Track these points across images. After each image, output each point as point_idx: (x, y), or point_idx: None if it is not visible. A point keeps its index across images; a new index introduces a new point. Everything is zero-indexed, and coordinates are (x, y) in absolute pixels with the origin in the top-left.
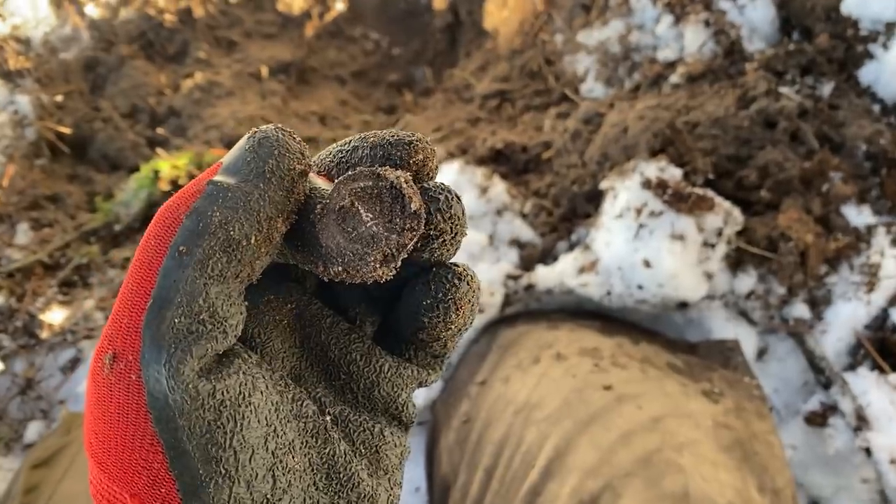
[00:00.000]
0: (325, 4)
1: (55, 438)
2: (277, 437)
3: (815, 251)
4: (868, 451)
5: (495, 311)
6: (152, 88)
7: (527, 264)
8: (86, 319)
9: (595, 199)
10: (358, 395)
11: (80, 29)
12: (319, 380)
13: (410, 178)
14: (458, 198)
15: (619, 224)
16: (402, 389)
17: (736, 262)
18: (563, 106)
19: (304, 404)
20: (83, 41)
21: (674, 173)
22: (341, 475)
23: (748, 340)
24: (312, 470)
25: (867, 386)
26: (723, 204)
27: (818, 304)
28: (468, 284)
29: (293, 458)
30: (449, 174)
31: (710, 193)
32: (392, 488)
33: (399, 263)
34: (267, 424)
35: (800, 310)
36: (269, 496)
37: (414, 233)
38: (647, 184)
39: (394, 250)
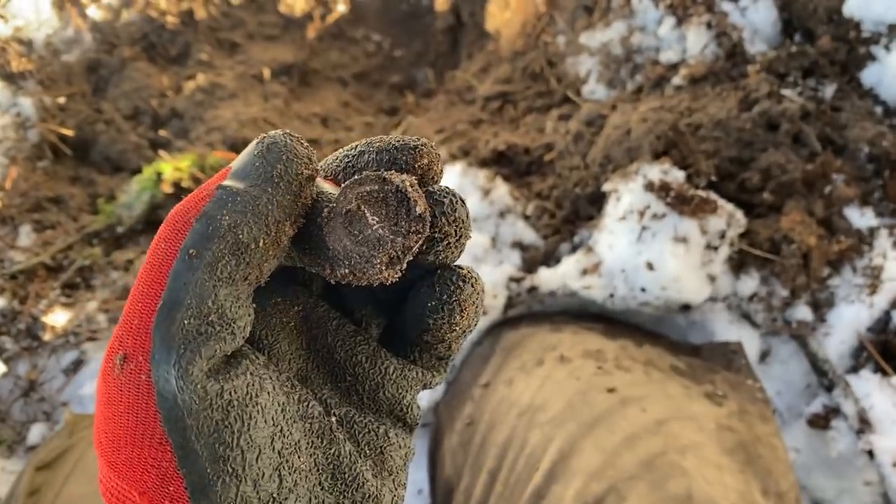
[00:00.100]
0: (326, 6)
1: (59, 441)
2: (284, 437)
3: (817, 253)
4: (871, 454)
5: (498, 313)
6: (154, 90)
7: (529, 266)
8: (88, 321)
9: (598, 201)
10: (363, 397)
11: (82, 31)
12: (325, 381)
13: (416, 181)
14: (463, 201)
15: (621, 226)
16: (407, 391)
17: (739, 264)
18: (565, 108)
19: (310, 405)
20: (85, 43)
21: (676, 176)
22: (346, 475)
23: (751, 343)
24: (318, 470)
25: (870, 388)
26: (725, 206)
27: (821, 307)
28: (472, 286)
29: (299, 457)
30: (451, 176)
31: (712, 196)
32: (396, 489)
33: (404, 266)
34: (273, 424)
35: (802, 312)
36: (275, 495)
37: (419, 235)
38: (649, 186)
39: (399, 253)
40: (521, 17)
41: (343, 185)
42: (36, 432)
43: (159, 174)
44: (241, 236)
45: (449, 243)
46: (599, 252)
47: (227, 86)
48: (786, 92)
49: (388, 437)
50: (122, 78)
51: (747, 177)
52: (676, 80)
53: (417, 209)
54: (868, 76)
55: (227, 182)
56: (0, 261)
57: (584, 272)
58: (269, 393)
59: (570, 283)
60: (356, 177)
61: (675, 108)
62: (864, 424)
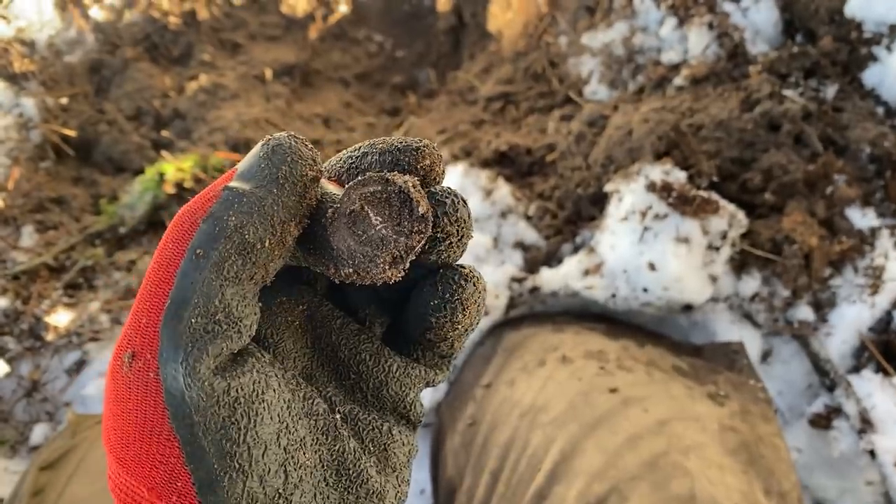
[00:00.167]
0: (328, 7)
1: (62, 441)
2: (289, 433)
3: (819, 254)
4: (872, 454)
5: (500, 313)
6: (157, 91)
7: (531, 267)
8: (91, 322)
9: (600, 201)
10: (367, 395)
11: (84, 32)
12: (330, 379)
13: (418, 182)
14: (465, 201)
15: (623, 227)
16: (410, 389)
17: (740, 264)
18: (567, 108)
19: (315, 402)
20: (88, 44)
21: (678, 176)
22: (350, 472)
23: (753, 343)
24: (323, 466)
25: (871, 388)
26: (727, 207)
27: (822, 307)
28: (474, 285)
29: (304, 454)
30: (453, 176)
31: (714, 196)
32: (400, 485)
33: (407, 265)
34: (279, 421)
35: (804, 312)
36: (281, 490)
37: (421, 235)
38: (651, 186)
39: (402, 252)
40: (523, 18)
41: (347, 186)
42: (39, 432)
43: (162, 175)
44: (247, 236)
45: (451, 243)
46: (601, 252)
47: (230, 86)
48: (787, 92)
49: (392, 435)
50: (124, 78)
51: (749, 177)
52: (678, 80)
53: (420, 209)
54: (869, 77)
55: (233, 183)
56: (3, 261)
57: (586, 272)
58: (274, 390)
59: (572, 283)
60: (359, 178)
61: (676, 108)
62: (865, 424)
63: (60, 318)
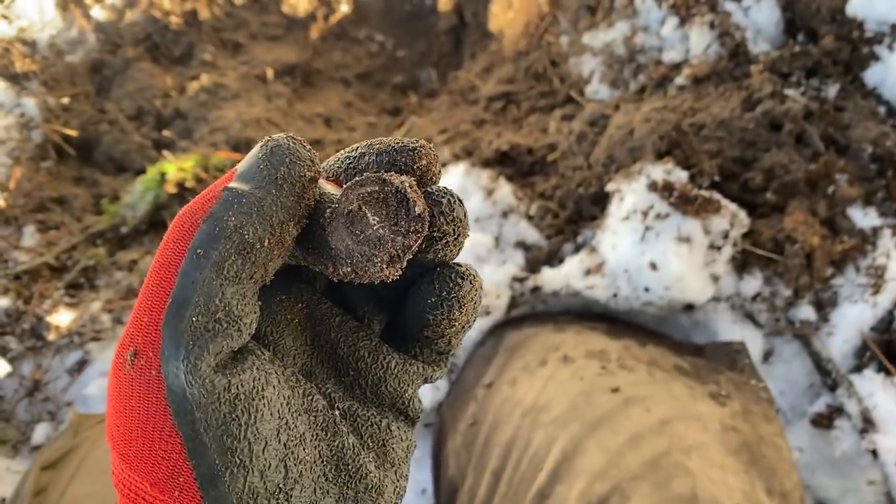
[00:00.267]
0: (329, 6)
1: (63, 440)
2: (289, 429)
3: (820, 253)
4: (874, 453)
5: (501, 313)
6: (158, 91)
7: (533, 266)
8: (93, 321)
9: (601, 201)
10: (366, 391)
11: (85, 31)
12: (329, 376)
13: (415, 182)
14: (460, 201)
15: (625, 226)
16: (409, 385)
17: (742, 264)
18: (568, 108)
19: (315, 399)
20: (89, 44)
21: (680, 175)
22: (350, 467)
23: (754, 342)
24: (322, 461)
25: (873, 388)
26: (729, 206)
27: (824, 306)
28: (471, 283)
29: (304, 449)
30: (455, 176)
31: (716, 196)
32: (398, 480)
33: (404, 264)
34: (279, 417)
35: (806, 312)
36: (281, 485)
37: (418, 235)
38: (653, 186)
39: (399, 251)
40: (524, 18)
41: (345, 187)
42: (40, 432)
43: (163, 174)
44: (246, 236)
45: (448, 242)
46: (603, 252)
47: (231, 86)
48: (789, 92)
49: (391, 430)
50: (125, 78)
51: (750, 177)
52: (679, 80)
53: (417, 209)
54: (871, 76)
55: (232, 184)
56: (4, 261)
57: (588, 272)
58: (274, 387)
59: (574, 283)
60: (357, 178)
61: (678, 108)
62: (867, 424)
63: (62, 318)
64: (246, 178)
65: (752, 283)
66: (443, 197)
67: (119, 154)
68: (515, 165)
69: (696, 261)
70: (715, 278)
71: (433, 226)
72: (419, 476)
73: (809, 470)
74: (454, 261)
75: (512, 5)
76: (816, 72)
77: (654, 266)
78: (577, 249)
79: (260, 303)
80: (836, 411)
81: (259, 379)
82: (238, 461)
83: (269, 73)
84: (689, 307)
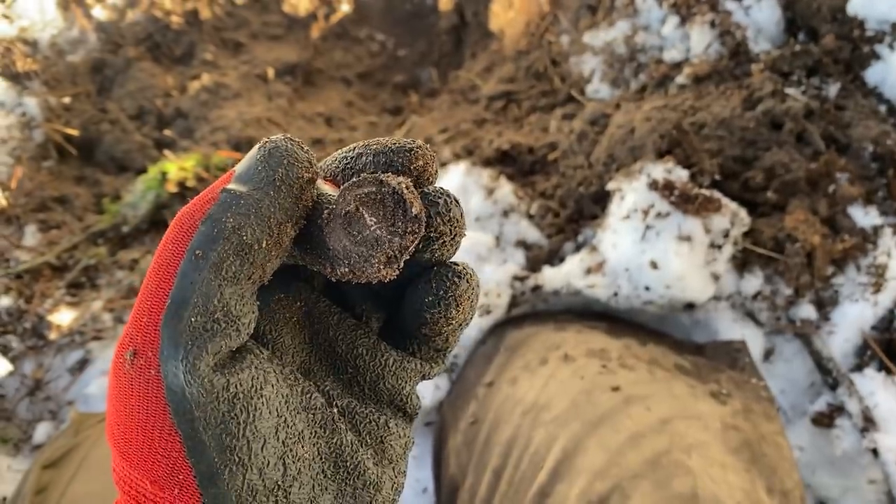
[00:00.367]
0: (330, 6)
1: (64, 439)
2: (288, 427)
3: (821, 252)
4: (875, 452)
5: (502, 312)
6: (159, 90)
7: (533, 265)
8: (94, 321)
9: (602, 200)
10: (364, 388)
11: (87, 31)
12: (327, 373)
13: (411, 183)
14: (457, 201)
15: (625, 225)
16: (407, 382)
17: (742, 263)
18: (569, 107)
19: (313, 397)
20: (90, 43)
21: (680, 174)
22: (348, 464)
23: (755, 341)
24: (321, 459)
25: (874, 387)
26: (729, 205)
27: (825, 305)
28: (468, 282)
29: (302, 447)
30: (455, 175)
31: (716, 195)
32: (396, 477)
33: (402, 264)
34: (278, 415)
35: (806, 311)
36: (280, 482)
37: (415, 235)
38: (653, 185)
39: (396, 252)
40: (525, 17)
41: (342, 188)
42: (42, 431)
43: (164, 174)
44: (244, 238)
45: (444, 242)
46: (603, 251)
47: (232, 85)
48: (789, 91)
49: (389, 427)
50: (126, 78)
51: (751, 175)
52: (680, 79)
53: (413, 210)
54: (872, 75)
55: (231, 185)
56: (6, 260)
57: (588, 271)
58: (273, 385)
59: (574, 281)
60: (354, 179)
61: (678, 107)
62: (868, 423)
63: (63, 317)
64: (244, 179)
65: (753, 282)
66: (439, 197)
67: (120, 153)
68: (516, 164)
69: (697, 260)
70: (715, 277)
71: (430, 226)
72: (420, 474)
73: (810, 469)
74: (451, 260)
75: (513, 5)
76: (817, 71)
77: (654, 265)
78: (578, 248)
79: (258, 302)
80: (837, 410)
81: (257, 378)
82: (237, 459)
83: (270, 73)
84: (690, 306)
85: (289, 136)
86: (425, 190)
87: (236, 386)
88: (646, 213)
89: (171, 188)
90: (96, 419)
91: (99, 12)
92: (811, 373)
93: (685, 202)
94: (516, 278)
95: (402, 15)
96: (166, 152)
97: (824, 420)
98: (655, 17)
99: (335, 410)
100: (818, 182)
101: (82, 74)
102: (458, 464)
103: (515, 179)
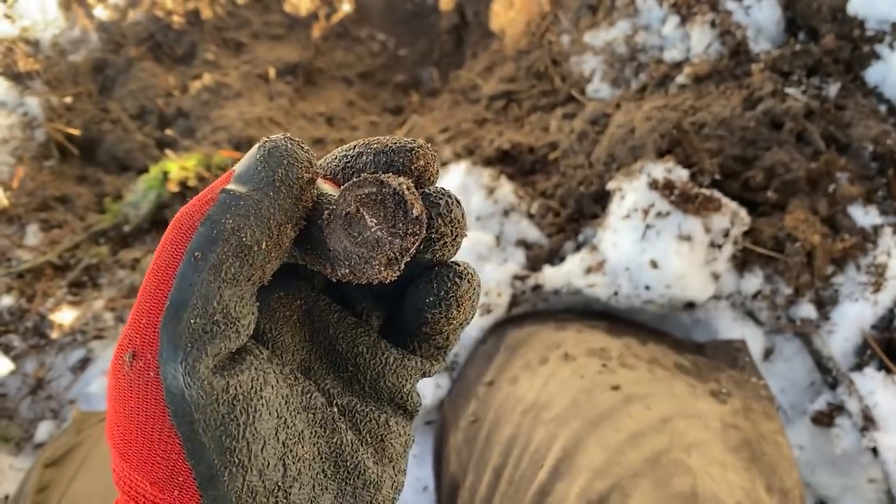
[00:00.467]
0: (331, 6)
1: (66, 438)
2: (287, 428)
3: (821, 251)
4: (875, 452)
5: (502, 311)
6: (161, 90)
7: (534, 265)
8: (95, 320)
9: (602, 199)
10: (365, 386)
11: (88, 31)
12: (328, 372)
13: (412, 184)
14: (458, 201)
15: (626, 225)
16: (407, 380)
17: (743, 262)
18: (569, 107)
19: (313, 396)
20: (92, 43)
21: (680, 174)
22: (348, 463)
23: (755, 340)
24: (321, 458)
25: (874, 386)
26: (729, 205)
27: (825, 305)
28: (469, 282)
29: (303, 447)
30: (456, 175)
31: (716, 194)
32: (396, 475)
33: (402, 266)
34: (277, 416)
35: (806, 310)
36: (280, 483)
37: (416, 237)
38: (654, 184)
39: (397, 254)
40: (526, 17)
41: (342, 188)
42: (43, 430)
43: (165, 173)
44: (244, 239)
45: (445, 243)
46: (603, 250)
47: (233, 85)
48: (790, 90)
49: (389, 426)
50: (128, 78)
51: (751, 175)
52: (680, 78)
53: (414, 211)
54: (872, 74)
55: (230, 186)
56: (8, 259)
57: (589, 270)
58: (272, 386)
59: (575, 281)
60: (355, 179)
61: (679, 106)
62: (867, 422)
63: (65, 316)
64: (243, 179)
65: (753, 282)
66: (440, 198)
67: (122, 153)
68: (517, 164)
69: (697, 259)
70: (716, 276)
71: (431, 227)
72: (421, 473)
73: (810, 468)
74: (452, 259)
75: (513, 4)
76: (817, 70)
77: (654, 264)
78: (578, 248)
79: (258, 303)
80: (837, 409)
81: (257, 379)
82: (237, 461)
83: (272, 73)
84: (690, 305)
85: (288, 135)
86: (426, 190)
87: (236, 388)
88: (646, 212)
89: (173, 188)
90: (98, 418)
91: (100, 12)
92: (811, 372)
93: (685, 202)
94: (517, 277)
95: (403, 14)
96: (168, 152)
97: (824, 419)
98: (656, 17)
99: (335, 409)
100: (818, 182)
101: (84, 74)
102: (458, 462)
103: (516, 179)
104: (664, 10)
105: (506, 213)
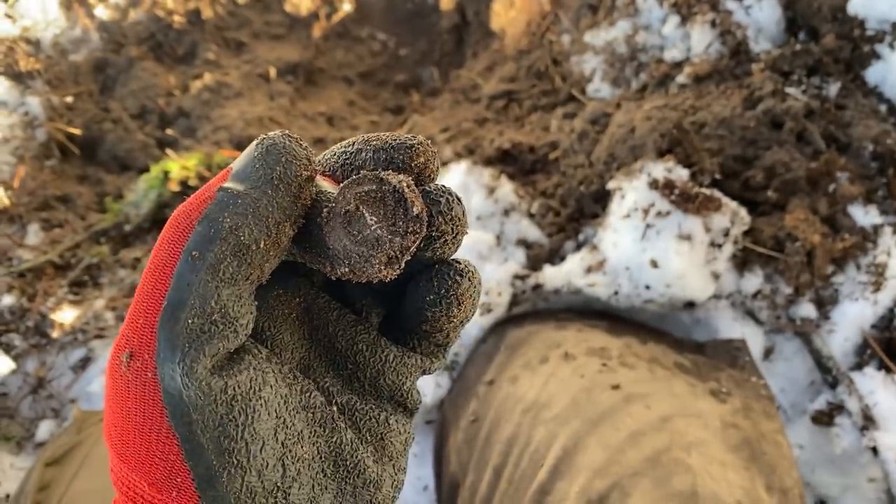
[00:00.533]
0: (332, 5)
1: (67, 437)
2: (287, 428)
3: (821, 251)
4: (875, 451)
5: (503, 310)
6: (161, 89)
7: (534, 264)
8: (96, 319)
9: (602, 199)
10: (364, 384)
11: (89, 30)
12: (327, 370)
13: (412, 181)
14: (459, 199)
15: (626, 224)
16: (407, 377)
17: (743, 261)
18: (570, 106)
19: (312, 395)
20: (93, 43)
21: (681, 174)
22: (348, 462)
23: (755, 340)
24: (320, 458)
25: (874, 385)
26: (730, 204)
27: (825, 304)
28: (469, 280)
29: (302, 447)
30: (456, 174)
31: (716, 194)
32: (396, 474)
33: (403, 265)
34: (276, 416)
35: (806, 309)
36: (279, 484)
37: (417, 235)
38: (654, 184)
39: (397, 253)
40: (526, 16)
41: (342, 186)
42: (44, 429)
43: (166, 173)
44: (242, 238)
45: (446, 241)
46: (604, 250)
47: (234, 85)
48: (790, 90)
49: (389, 424)
50: (129, 77)
51: (751, 175)
52: (681, 78)
53: (415, 210)
54: (872, 74)
55: (228, 184)
56: (9, 259)
57: (589, 270)
58: (271, 386)
59: (575, 280)
60: (354, 177)
61: (679, 106)
62: (867, 421)
63: (66, 316)
64: (241, 177)
65: (753, 281)
66: (441, 196)
67: (122, 152)
68: (517, 164)
69: (697, 258)
70: (716, 276)
71: (432, 225)
72: (421, 472)
73: (810, 467)
74: (453, 257)
75: (514, 4)
76: (817, 70)
77: (655, 264)
78: (579, 247)
79: (256, 303)
80: (837, 409)
81: (256, 379)
82: (235, 462)
83: (272, 72)
84: (690, 305)
85: (286, 132)
86: (426, 188)
87: (234, 388)
88: (646, 211)
89: (174, 187)
90: (98, 417)
91: (101, 12)
92: (811, 371)
93: (685, 201)
94: (517, 277)
95: (404, 14)
96: (168, 151)
97: (824, 418)
98: (656, 17)
99: (334, 408)
100: (818, 181)
101: (85, 74)
102: (458, 462)
103: (516, 178)
104: (664, 9)
105: (506, 212)
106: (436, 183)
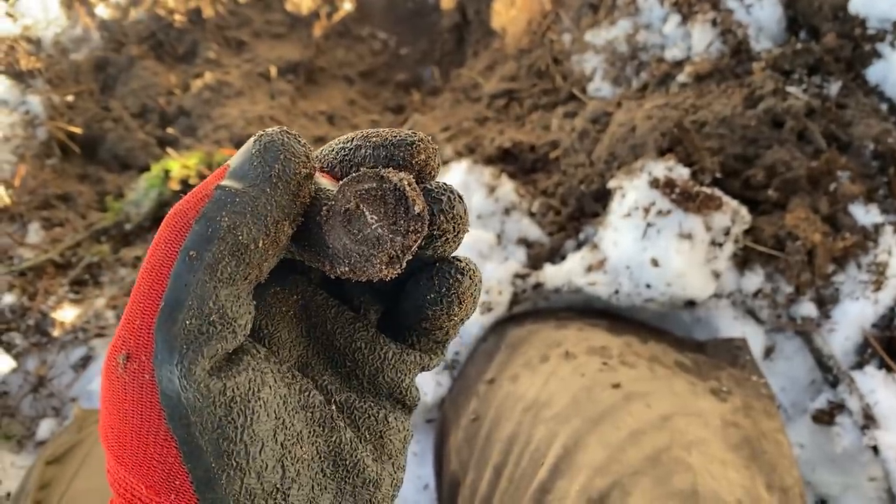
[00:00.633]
0: (332, 4)
1: (68, 436)
2: (286, 428)
3: (822, 250)
4: (875, 450)
5: (503, 309)
6: (162, 88)
7: (535, 263)
8: (97, 318)
9: (603, 198)
10: (363, 381)
11: (90, 29)
12: (326, 367)
13: (413, 179)
14: (460, 197)
15: (627, 223)
16: (406, 374)
17: (743, 260)
18: (570, 105)
19: (311, 394)
20: (93, 41)
21: (681, 172)
22: (347, 462)
23: (756, 339)
24: (320, 458)
25: (875, 384)
26: (730, 203)
27: (826, 303)
28: (470, 279)
29: (301, 447)
30: (457, 173)
31: (717, 192)
32: (395, 472)
33: (404, 264)
34: (276, 417)
35: (807, 308)
36: (278, 485)
37: (418, 234)
38: (654, 183)
39: (398, 252)
40: (527, 15)
41: (341, 183)
42: (45, 427)
43: (167, 172)
44: (240, 237)
45: (447, 239)
46: (604, 249)
47: (235, 84)
48: (791, 89)
49: (388, 422)
50: (130, 76)
51: (752, 174)
52: (681, 77)
53: (416, 208)
54: (873, 73)
55: (225, 182)
56: (9, 258)
57: (589, 269)
58: (270, 387)
59: (575, 279)
60: (354, 174)
61: (680, 105)
62: (868, 420)
63: (66, 314)
64: (239, 175)
65: (754, 280)
66: (442, 194)
67: (123, 151)
68: (518, 163)
69: (698, 257)
70: (716, 275)
71: (433, 224)
72: (421, 471)
73: (810, 466)
74: (453, 255)
75: (514, 3)
76: (818, 69)
77: (655, 262)
78: (579, 246)
79: (254, 302)
80: (838, 408)
81: (254, 380)
82: (234, 464)
83: (273, 71)
84: (691, 303)
85: (285, 128)
86: (427, 185)
87: (233, 389)
88: (647, 210)
89: (174, 186)
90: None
91: (102, 10)
92: (812, 370)
93: (686, 200)
94: (518, 276)
95: (404, 13)
96: (169, 150)
97: (825, 417)
98: (657, 16)
99: (334, 408)
100: (819, 180)
101: (85, 73)
102: (459, 460)
103: (517, 177)
104: (665, 8)
105: (507, 211)
106: (437, 180)
